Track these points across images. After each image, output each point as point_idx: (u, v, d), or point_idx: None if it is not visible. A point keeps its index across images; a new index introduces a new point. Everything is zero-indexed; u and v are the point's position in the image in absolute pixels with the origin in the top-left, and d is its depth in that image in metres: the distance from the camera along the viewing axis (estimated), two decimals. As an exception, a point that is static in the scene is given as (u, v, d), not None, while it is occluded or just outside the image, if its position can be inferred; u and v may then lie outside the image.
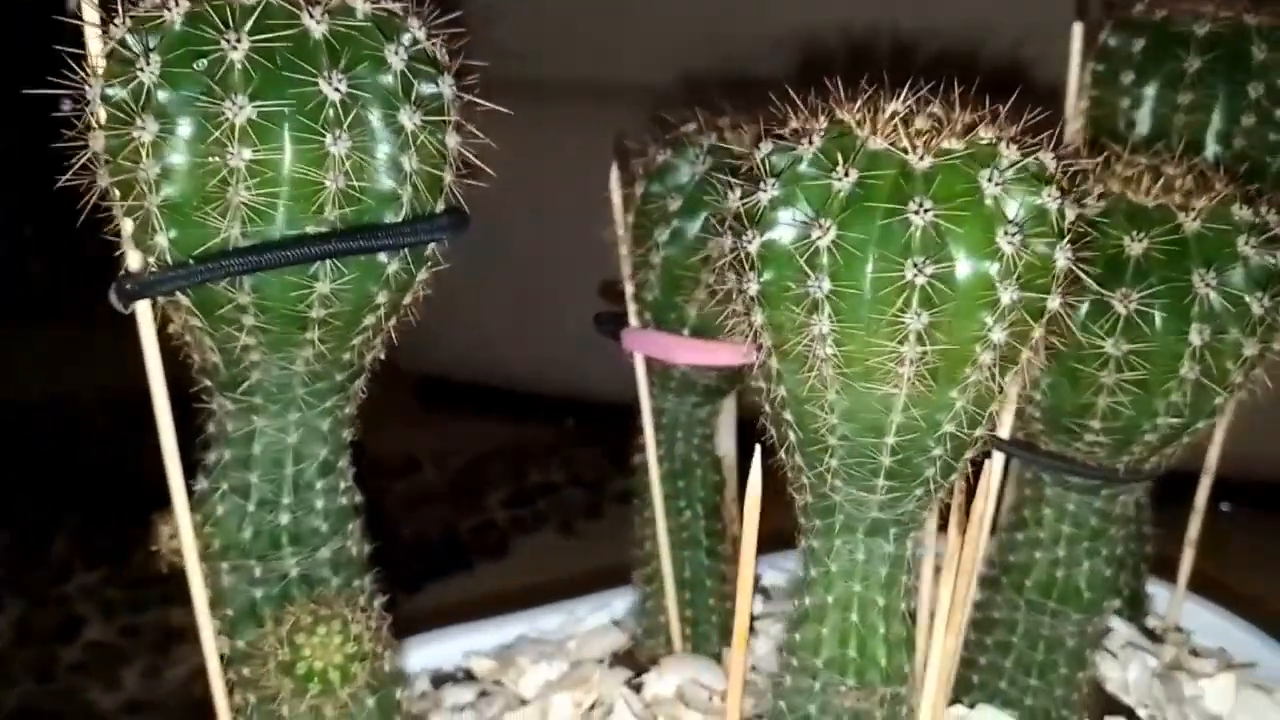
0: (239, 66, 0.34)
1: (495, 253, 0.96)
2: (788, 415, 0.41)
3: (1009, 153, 0.35)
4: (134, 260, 0.37)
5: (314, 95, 0.34)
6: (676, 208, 0.51)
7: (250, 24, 0.34)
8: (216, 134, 0.34)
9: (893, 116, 0.38)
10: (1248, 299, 0.44)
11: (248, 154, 0.34)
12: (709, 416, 0.58)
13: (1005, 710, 0.54)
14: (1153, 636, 0.64)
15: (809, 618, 0.43)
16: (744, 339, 0.40)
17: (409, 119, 0.36)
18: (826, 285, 0.37)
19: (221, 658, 0.43)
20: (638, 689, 0.55)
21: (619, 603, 0.66)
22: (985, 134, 0.37)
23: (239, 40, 0.34)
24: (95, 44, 0.36)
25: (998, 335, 0.36)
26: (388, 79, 0.35)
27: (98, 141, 0.35)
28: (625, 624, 0.63)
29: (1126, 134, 0.59)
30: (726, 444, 0.61)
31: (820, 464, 0.41)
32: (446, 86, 0.37)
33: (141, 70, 0.34)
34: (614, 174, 0.54)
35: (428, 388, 1.47)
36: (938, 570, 0.45)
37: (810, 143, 0.38)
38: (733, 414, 0.61)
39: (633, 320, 0.56)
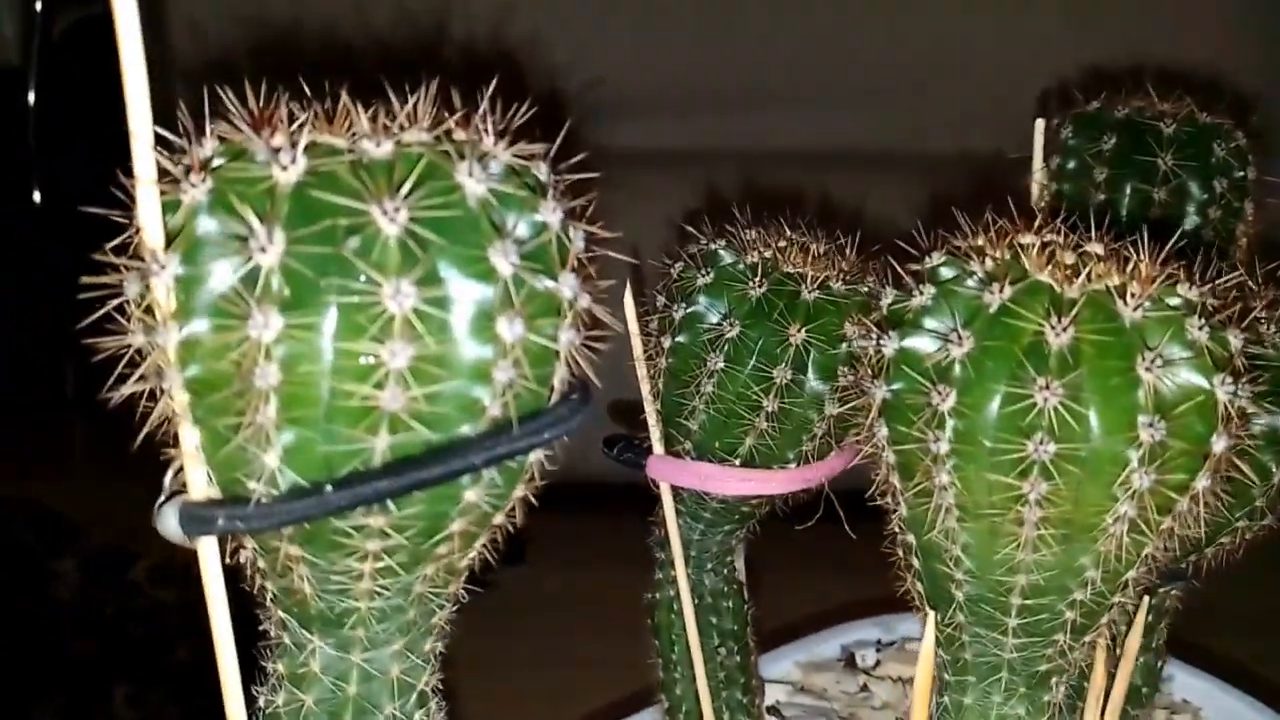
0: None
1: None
2: (909, 539, 0.38)
3: (1194, 329, 0.33)
4: (199, 482, 0.30)
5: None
6: (734, 334, 0.46)
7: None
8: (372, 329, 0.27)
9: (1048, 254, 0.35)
10: None
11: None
12: (739, 543, 0.54)
13: None
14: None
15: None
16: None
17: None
18: (945, 447, 0.35)
19: None
20: None
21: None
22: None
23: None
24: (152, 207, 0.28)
25: (1127, 509, 0.34)
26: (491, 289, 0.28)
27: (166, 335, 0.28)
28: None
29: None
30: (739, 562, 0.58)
31: (947, 602, 0.38)
32: (568, 286, 0.30)
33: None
34: (628, 295, 0.49)
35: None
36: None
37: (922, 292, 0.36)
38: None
39: (657, 448, 0.51)
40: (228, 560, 0.32)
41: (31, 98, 2.03)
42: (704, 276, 0.47)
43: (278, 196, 0.27)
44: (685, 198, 0.77)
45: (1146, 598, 0.42)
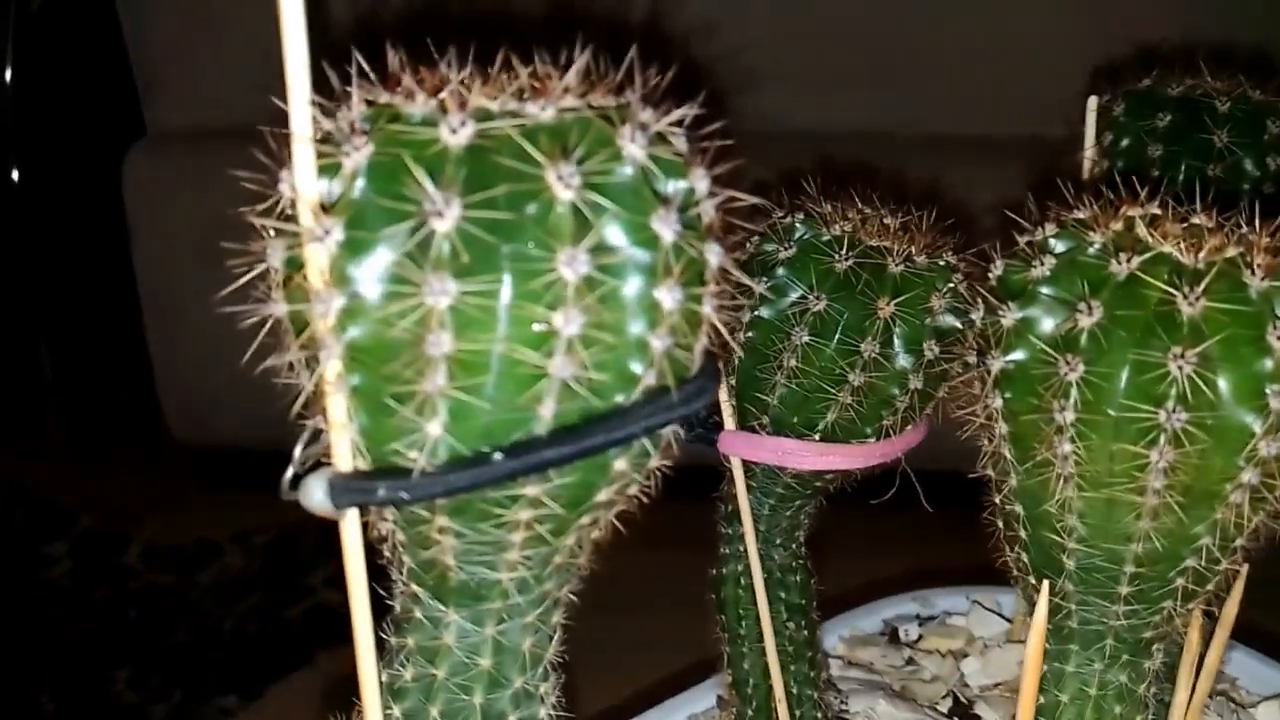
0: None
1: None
2: (1018, 509, 0.38)
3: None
4: (345, 454, 0.29)
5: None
6: (820, 307, 0.46)
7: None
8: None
9: (1128, 224, 0.36)
10: None
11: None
12: (806, 518, 0.54)
13: None
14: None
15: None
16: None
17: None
18: (1070, 416, 0.35)
19: None
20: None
21: (682, 715, 0.61)
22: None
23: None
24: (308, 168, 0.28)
25: (1249, 477, 0.34)
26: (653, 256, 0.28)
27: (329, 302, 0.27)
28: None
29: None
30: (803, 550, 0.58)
31: (1055, 571, 0.39)
32: (715, 254, 0.30)
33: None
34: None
35: (209, 463, 1.35)
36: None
37: (1041, 263, 0.36)
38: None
39: (729, 423, 0.51)
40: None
41: (9, 75, 1.99)
42: (786, 250, 0.47)
43: (449, 160, 0.27)
44: (756, 173, 0.78)
45: (1246, 566, 0.42)
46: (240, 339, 0.32)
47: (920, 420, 0.50)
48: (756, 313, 0.48)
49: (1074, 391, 0.34)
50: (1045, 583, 0.38)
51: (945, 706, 0.61)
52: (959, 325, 0.46)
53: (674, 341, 0.29)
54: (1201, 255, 0.34)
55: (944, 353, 0.47)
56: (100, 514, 1.39)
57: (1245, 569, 0.42)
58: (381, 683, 0.34)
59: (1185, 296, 0.33)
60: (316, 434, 0.31)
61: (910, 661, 0.67)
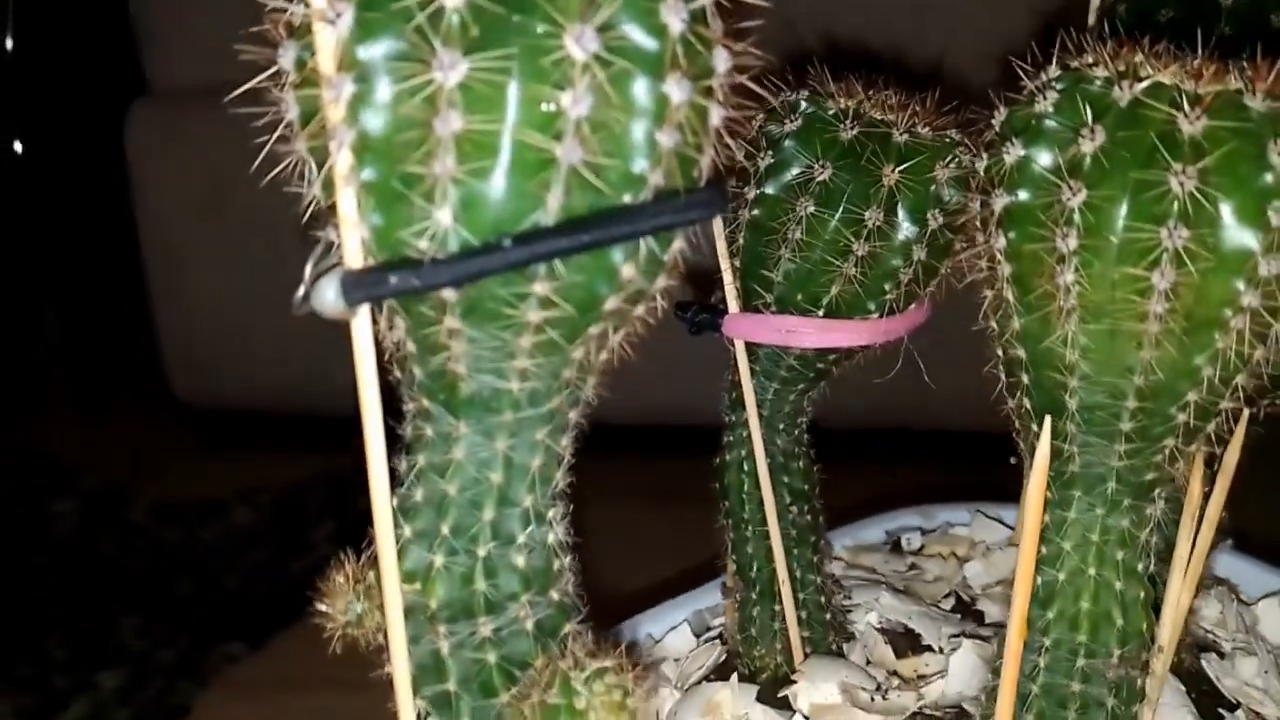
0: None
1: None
2: (1020, 353, 0.39)
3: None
4: (355, 250, 0.30)
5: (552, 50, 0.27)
6: (825, 176, 0.46)
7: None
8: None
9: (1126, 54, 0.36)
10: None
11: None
12: (809, 405, 0.55)
13: None
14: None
15: (1053, 593, 0.41)
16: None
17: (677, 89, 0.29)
18: (1073, 243, 0.35)
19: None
20: (781, 704, 0.51)
21: (687, 610, 0.61)
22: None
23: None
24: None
25: (1250, 300, 0.35)
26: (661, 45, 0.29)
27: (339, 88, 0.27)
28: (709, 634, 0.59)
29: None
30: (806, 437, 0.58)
31: (1058, 413, 0.39)
32: (721, 59, 0.30)
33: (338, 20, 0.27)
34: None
35: (215, 424, 1.36)
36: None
37: (1045, 98, 0.36)
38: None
39: (733, 306, 0.51)
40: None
41: (10, 43, 1.99)
42: (792, 123, 0.47)
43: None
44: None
45: (1247, 410, 0.43)
46: (243, 295, 0.33)
47: (924, 300, 0.51)
48: (761, 189, 0.49)
49: (1076, 217, 0.35)
50: (1048, 419, 0.39)
51: (948, 605, 0.61)
52: (963, 198, 0.46)
53: (681, 140, 0.30)
54: (1203, 83, 0.34)
55: (947, 226, 0.47)
56: (107, 472, 1.39)
57: (1246, 414, 0.43)
58: (394, 506, 0.35)
59: (1186, 116, 0.34)
60: (328, 249, 0.31)
61: (913, 567, 0.67)
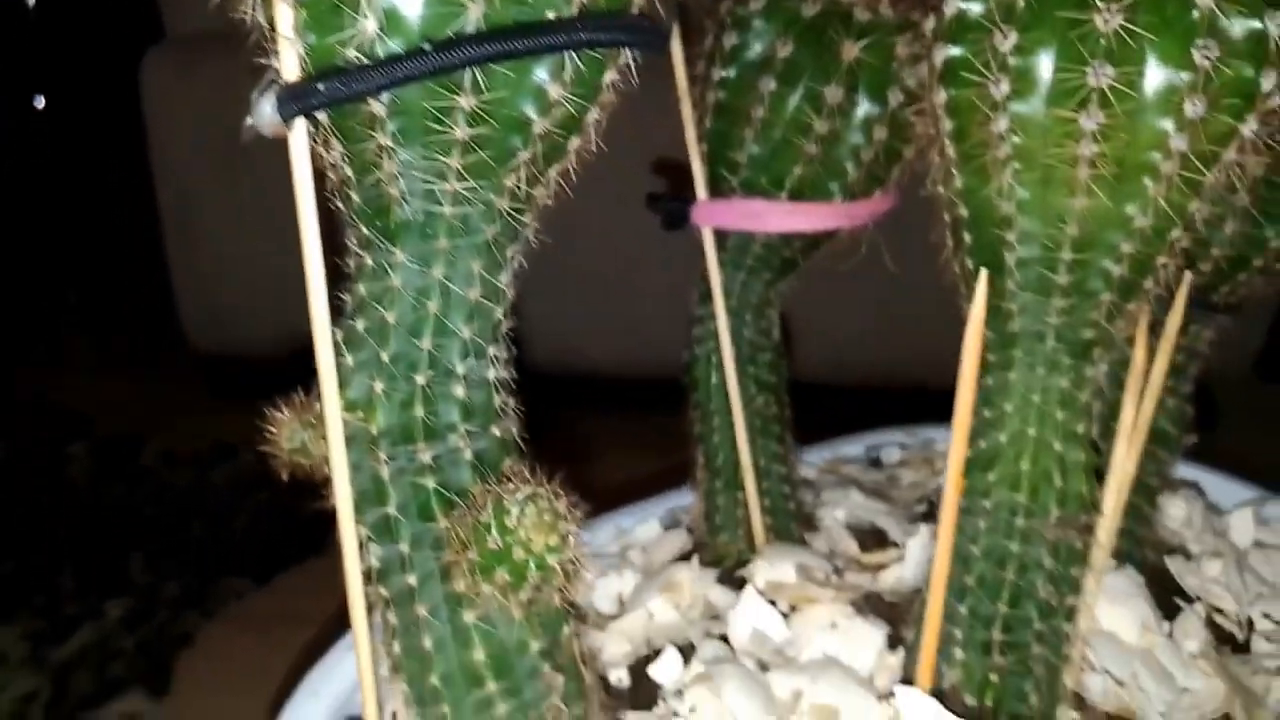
0: None
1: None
2: (962, 212, 0.39)
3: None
4: (291, 65, 0.31)
5: None
6: (787, 52, 0.47)
7: None
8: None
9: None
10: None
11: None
12: (776, 297, 0.55)
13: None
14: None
15: (995, 456, 0.42)
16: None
17: None
18: (1005, 88, 0.36)
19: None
20: (739, 584, 0.52)
21: (661, 509, 0.62)
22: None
23: None
24: None
25: (1178, 144, 0.35)
26: None
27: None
28: (682, 526, 0.60)
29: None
30: (776, 332, 0.59)
31: (998, 271, 0.39)
32: None
33: None
34: (675, 35, 0.50)
35: (227, 372, 1.37)
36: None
37: None
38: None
39: (701, 193, 0.52)
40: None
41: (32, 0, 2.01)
42: (756, 2, 0.48)
43: None
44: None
45: (1188, 274, 0.43)
46: (257, 241, 0.34)
47: (888, 188, 0.51)
48: (725, 72, 0.49)
49: (1009, 61, 0.35)
50: (984, 270, 0.39)
51: (920, 510, 0.62)
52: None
53: None
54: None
55: (910, 107, 0.48)
56: (119, 420, 1.42)
57: (1188, 277, 0.43)
58: (338, 340, 0.36)
59: (1115, -45, 0.34)
60: (271, 83, 0.32)
61: (890, 478, 0.67)
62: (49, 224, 2.01)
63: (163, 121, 1.37)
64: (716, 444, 0.56)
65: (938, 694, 0.42)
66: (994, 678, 0.43)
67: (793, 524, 0.57)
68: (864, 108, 0.47)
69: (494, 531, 0.34)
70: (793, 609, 0.49)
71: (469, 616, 0.37)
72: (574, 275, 1.16)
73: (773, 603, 0.49)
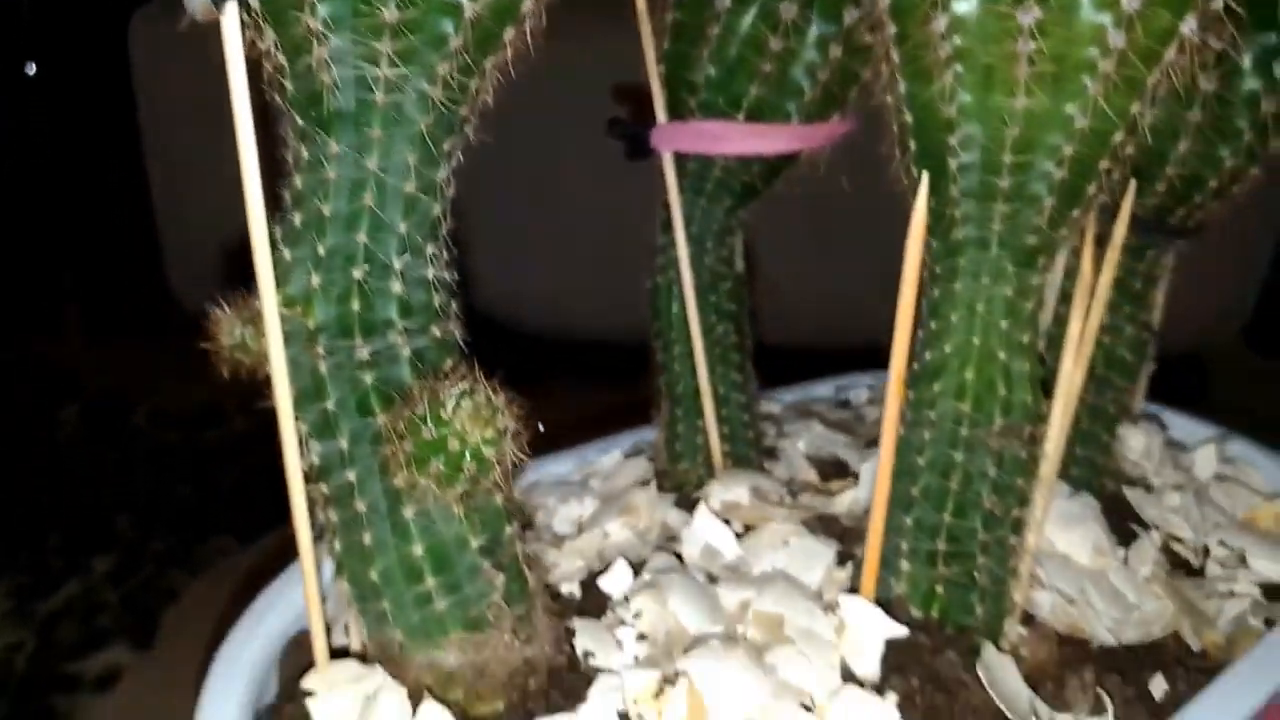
0: None
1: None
2: (908, 118, 0.39)
3: None
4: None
5: None
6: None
7: None
8: None
9: None
10: None
11: None
12: (737, 225, 0.55)
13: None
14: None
15: (941, 367, 0.42)
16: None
17: None
18: None
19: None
20: (692, 507, 0.52)
21: (626, 442, 0.62)
22: None
23: None
24: None
25: (1116, 40, 0.35)
26: None
27: None
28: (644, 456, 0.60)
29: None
30: (738, 261, 0.59)
31: (941, 176, 0.39)
32: None
33: None
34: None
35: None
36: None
37: None
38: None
39: (661, 116, 0.52)
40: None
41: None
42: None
43: None
44: None
45: (1134, 182, 0.43)
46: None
47: (845, 113, 0.51)
48: (681, -8, 0.49)
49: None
50: (925, 173, 0.39)
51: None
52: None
53: None
54: None
55: (865, 24, 0.47)
56: (110, 382, 1.42)
57: (1133, 185, 0.43)
58: (276, 235, 0.36)
59: None
60: None
61: (857, 417, 0.68)
62: (43, 192, 2.01)
63: (151, 84, 1.37)
64: (677, 372, 0.56)
65: (884, 605, 0.43)
66: (939, 589, 0.43)
67: (752, 452, 0.57)
68: (819, 25, 0.47)
69: (429, 423, 0.34)
70: (747, 529, 0.50)
71: (408, 512, 0.37)
72: (566, 241, 1.16)
73: (727, 522, 0.49)
